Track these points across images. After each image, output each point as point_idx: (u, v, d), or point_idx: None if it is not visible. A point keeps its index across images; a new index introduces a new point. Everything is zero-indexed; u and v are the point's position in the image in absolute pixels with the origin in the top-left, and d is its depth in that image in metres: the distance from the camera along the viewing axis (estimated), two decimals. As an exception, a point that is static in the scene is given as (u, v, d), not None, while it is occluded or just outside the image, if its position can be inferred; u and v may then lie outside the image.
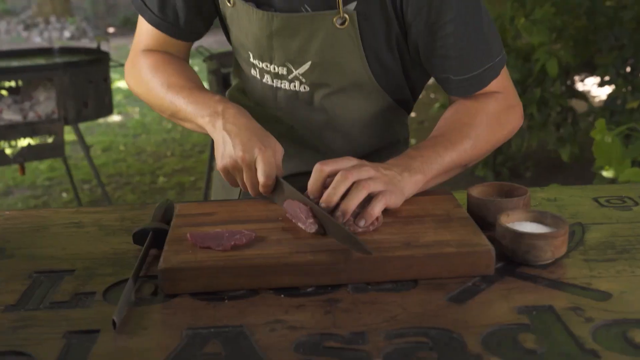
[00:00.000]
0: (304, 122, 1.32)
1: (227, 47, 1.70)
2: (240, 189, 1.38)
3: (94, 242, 1.11)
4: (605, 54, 4.32)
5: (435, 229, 1.02)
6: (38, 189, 4.89)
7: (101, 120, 6.85)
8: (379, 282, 0.95)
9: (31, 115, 3.29)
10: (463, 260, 0.95)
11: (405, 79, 1.29)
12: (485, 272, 0.96)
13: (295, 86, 1.27)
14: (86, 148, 3.55)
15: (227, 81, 3.59)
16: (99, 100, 3.43)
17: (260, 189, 1.11)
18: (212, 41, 4.09)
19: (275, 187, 1.11)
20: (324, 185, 1.06)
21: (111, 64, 3.71)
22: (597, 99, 5.04)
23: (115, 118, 6.94)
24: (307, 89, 1.27)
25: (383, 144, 1.37)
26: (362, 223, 1.02)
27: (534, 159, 4.77)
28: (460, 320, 0.85)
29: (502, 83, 1.24)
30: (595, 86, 4.70)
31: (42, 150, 3.26)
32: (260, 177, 1.09)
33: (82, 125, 6.50)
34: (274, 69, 1.27)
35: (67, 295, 0.94)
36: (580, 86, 5.03)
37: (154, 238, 1.06)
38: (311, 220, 1.01)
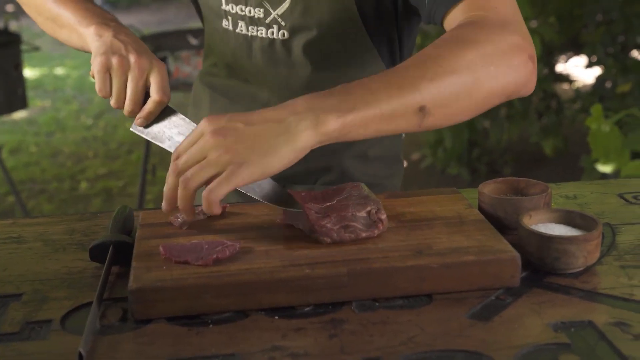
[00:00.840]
0: (284, 82, 1.30)
1: (162, 29, 1.68)
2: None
3: (40, 260, 1.07)
4: (592, 31, 4.41)
5: (448, 234, 1.02)
6: None
7: (4, 117, 6.71)
8: (388, 298, 0.94)
9: None
10: (484, 270, 0.95)
11: (396, 23, 1.27)
12: (510, 284, 0.96)
13: (272, 32, 1.26)
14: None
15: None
16: (10, 91, 3.34)
17: (149, 107, 1.09)
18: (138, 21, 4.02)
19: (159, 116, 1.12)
20: None
21: (23, 47, 3.62)
22: (583, 83, 5.14)
23: (22, 113, 6.79)
24: (286, 35, 1.26)
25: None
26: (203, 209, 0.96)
27: (513, 153, 4.84)
28: (489, 341, 0.85)
29: (499, 7, 1.06)
30: (582, 67, 4.79)
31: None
32: (156, 93, 1.08)
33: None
34: (250, 11, 1.26)
35: (16, 326, 0.90)
36: (564, 68, 5.12)
37: (115, 253, 1.03)
38: (317, 234, 1.01)
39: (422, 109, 0.97)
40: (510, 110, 4.53)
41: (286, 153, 0.94)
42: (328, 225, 1.00)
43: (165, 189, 0.98)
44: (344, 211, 1.02)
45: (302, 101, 0.97)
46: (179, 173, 0.97)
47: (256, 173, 0.94)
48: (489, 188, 1.15)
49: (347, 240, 1.00)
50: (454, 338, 0.86)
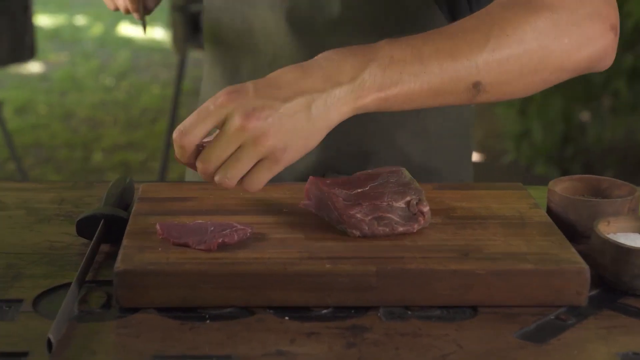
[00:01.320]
0: (303, 22, 1.26)
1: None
2: None
3: (20, 230, 1.10)
4: None
5: (504, 237, 1.01)
6: None
7: (13, 69, 6.85)
8: (423, 307, 0.94)
9: None
10: (544, 283, 0.94)
11: None
12: (575, 302, 0.95)
13: None
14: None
15: (197, 22, 3.59)
16: (16, 38, 3.40)
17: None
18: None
19: None
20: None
21: (36, -13, 3.69)
22: None
23: (34, 67, 6.92)
24: None
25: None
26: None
27: (617, 154, 4.77)
28: (539, 366, 0.84)
29: None
30: None
31: None
32: None
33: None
34: None
35: (-19, 304, 0.93)
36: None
37: (106, 229, 1.05)
38: (344, 225, 1.01)
39: (476, 85, 0.99)
40: (616, 101, 4.46)
41: (322, 129, 0.97)
42: (358, 215, 1.01)
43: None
44: (379, 200, 1.02)
45: (340, 64, 0.97)
46: (210, 173, 0.97)
47: (297, 156, 0.97)
48: (562, 186, 1.14)
49: (380, 235, 1.01)
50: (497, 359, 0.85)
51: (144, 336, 0.88)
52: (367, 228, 1.01)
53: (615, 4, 1.05)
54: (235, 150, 0.95)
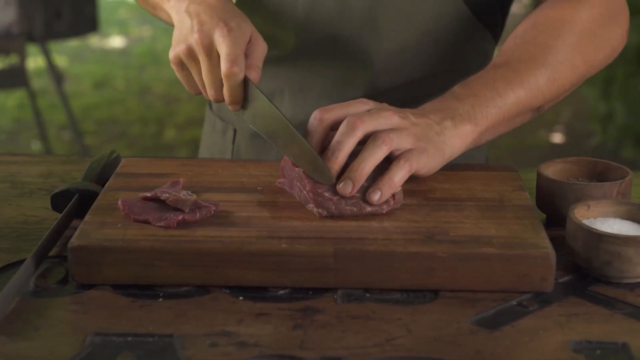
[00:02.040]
0: (335, 14, 1.30)
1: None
2: (232, 152, 1.39)
3: (-1, 203, 1.12)
4: None
5: (476, 220, 0.99)
6: (-1, 133, 5.02)
7: (96, 43, 6.98)
8: (383, 290, 0.93)
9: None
10: (507, 268, 0.92)
11: None
12: (540, 289, 0.93)
13: None
14: (57, 77, 3.61)
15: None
16: (78, 9, 3.46)
17: (225, 86, 1.06)
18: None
19: (246, 97, 1.08)
20: (327, 142, 1.04)
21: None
22: None
23: (116, 42, 7.05)
24: None
25: (449, 76, 1.33)
26: (375, 197, 1.00)
27: None
28: (484, 354, 0.82)
29: None
30: None
31: (-5, 77, 3.32)
32: (223, 64, 1.05)
33: (68, 49, 6.66)
34: None
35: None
36: None
37: (80, 204, 1.06)
38: (312, 204, 1.01)
39: (539, 108, 1.17)
40: None
41: (446, 157, 1.08)
42: (326, 194, 1.00)
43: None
44: None
45: (432, 106, 1.10)
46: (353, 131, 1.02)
47: (430, 165, 1.06)
48: (553, 169, 1.11)
49: (348, 215, 1.00)
50: (444, 345, 0.84)
51: (92, 313, 0.89)
52: (334, 207, 1.00)
53: (627, 5, 1.25)
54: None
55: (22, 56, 3.38)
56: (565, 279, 0.97)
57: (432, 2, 1.28)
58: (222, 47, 1.06)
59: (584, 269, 0.97)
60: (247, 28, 1.10)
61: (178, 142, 4.92)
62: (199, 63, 1.09)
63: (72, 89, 5.76)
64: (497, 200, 1.05)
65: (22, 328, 0.86)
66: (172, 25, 1.19)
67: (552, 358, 0.82)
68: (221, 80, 1.07)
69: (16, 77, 3.40)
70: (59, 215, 1.07)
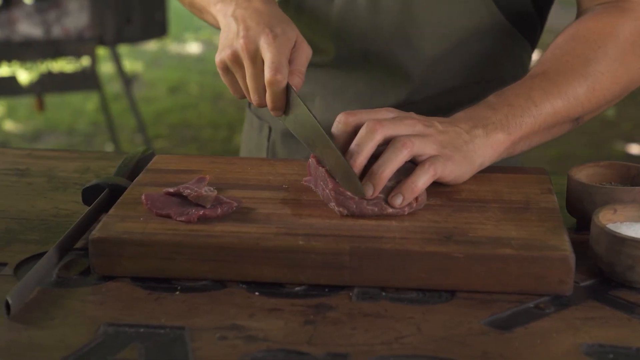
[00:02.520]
0: (366, 29, 1.30)
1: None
2: (267, 149, 1.40)
3: (33, 197, 1.15)
4: None
5: (497, 221, 0.98)
6: (76, 136, 5.12)
7: (173, 50, 7.07)
8: (398, 289, 0.93)
9: (56, 31, 3.42)
10: (525, 270, 0.91)
11: None
12: (559, 291, 0.92)
13: None
14: (127, 81, 3.67)
15: None
16: (148, 14, 3.52)
17: (268, 92, 1.08)
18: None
19: (288, 103, 1.09)
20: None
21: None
22: None
23: (192, 48, 7.13)
24: None
25: (483, 85, 1.34)
26: (397, 201, 1.00)
27: None
28: (492, 355, 0.82)
29: None
30: None
31: (67, 79, 3.39)
32: (266, 72, 1.06)
33: (146, 54, 6.76)
34: None
35: (-32, 265, 0.98)
36: None
37: (110, 198, 1.08)
38: (333, 203, 1.01)
39: (578, 118, 1.16)
40: None
41: (475, 166, 1.08)
42: (348, 192, 1.00)
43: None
44: None
45: (464, 115, 1.10)
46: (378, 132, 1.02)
47: (456, 172, 1.06)
48: (584, 173, 1.09)
49: (369, 215, 1.00)
50: (451, 345, 0.83)
51: (108, 304, 0.90)
52: (354, 207, 1.00)
53: None
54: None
55: (93, 59, 3.45)
56: (587, 282, 0.95)
57: (466, 13, 1.28)
58: (267, 54, 1.07)
59: (607, 273, 0.95)
60: (293, 33, 1.11)
61: (246, 146, 4.96)
62: (244, 68, 1.10)
63: (147, 94, 5.85)
64: (522, 203, 1.03)
65: (39, 317, 0.88)
66: (219, 29, 1.21)
67: (561, 360, 0.81)
68: (264, 86, 1.08)
69: (88, 80, 3.48)
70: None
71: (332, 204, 1.01)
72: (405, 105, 1.27)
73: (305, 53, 1.12)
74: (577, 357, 0.81)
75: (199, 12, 1.32)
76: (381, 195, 1.00)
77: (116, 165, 1.24)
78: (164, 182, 1.08)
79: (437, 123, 1.06)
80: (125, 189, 1.08)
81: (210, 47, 7.18)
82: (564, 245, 0.93)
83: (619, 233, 0.93)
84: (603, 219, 0.97)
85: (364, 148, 1.01)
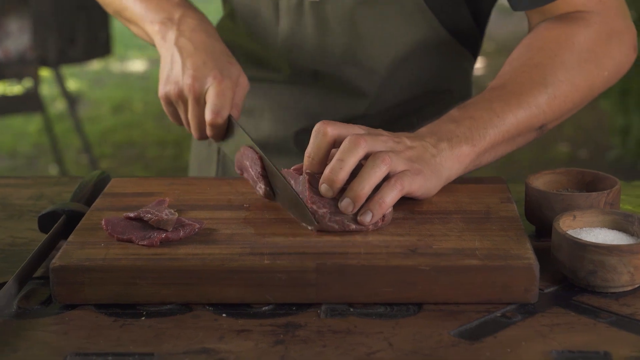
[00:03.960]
0: (314, 51, 1.31)
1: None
2: (218, 162, 1.41)
3: (-12, 226, 1.13)
4: None
5: (460, 232, 0.99)
6: (19, 158, 5.06)
7: (117, 69, 7.03)
8: (366, 304, 0.93)
9: (-3, 53, 3.39)
10: (490, 280, 0.92)
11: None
12: (524, 299, 0.93)
13: None
14: (71, 101, 3.64)
15: None
16: (91, 34, 3.50)
17: (208, 129, 1.14)
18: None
19: (227, 132, 1.15)
20: (327, 158, 1.05)
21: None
22: None
23: (136, 65, 7.09)
24: None
25: (430, 97, 1.37)
26: (367, 218, 1.00)
27: None
28: (465, 366, 0.82)
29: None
30: None
31: (9, 102, 3.35)
32: (207, 114, 1.12)
33: (89, 73, 6.70)
34: None
35: None
36: None
37: (66, 224, 1.07)
38: (261, 180, 1.05)
39: (541, 127, 1.17)
40: None
41: (443, 179, 1.08)
42: (313, 206, 1.00)
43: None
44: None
45: (428, 129, 1.10)
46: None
47: (426, 187, 1.05)
48: (541, 180, 1.11)
49: (330, 230, 1.00)
50: (422, 358, 0.84)
51: (72, 333, 0.89)
52: (317, 222, 1.00)
53: (633, 24, 1.23)
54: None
55: (36, 81, 3.42)
56: (552, 289, 0.96)
57: (410, 30, 1.29)
58: (211, 97, 1.13)
59: (570, 279, 0.96)
60: (236, 72, 1.15)
61: (196, 163, 4.93)
62: (187, 104, 1.14)
63: (91, 113, 5.80)
64: (483, 213, 1.04)
65: (1, 350, 0.86)
66: (149, 43, 1.22)
67: (531, 369, 0.82)
68: (204, 122, 1.15)
69: (31, 102, 3.44)
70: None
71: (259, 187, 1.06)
72: (356, 119, 1.28)
73: (244, 88, 1.18)
74: (547, 364, 0.82)
75: (125, 21, 1.32)
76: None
77: (71, 190, 1.23)
78: (122, 206, 1.08)
79: (405, 138, 1.07)
80: (83, 214, 1.07)
81: (154, 64, 7.13)
82: (528, 253, 0.94)
83: (580, 239, 0.94)
84: (563, 225, 0.98)
85: (346, 163, 1.01)
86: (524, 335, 0.88)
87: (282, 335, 0.88)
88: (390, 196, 1.01)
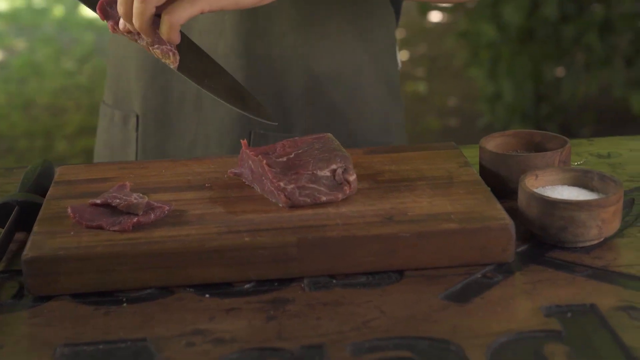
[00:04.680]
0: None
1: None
2: (137, 134, 1.37)
3: None
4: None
5: (430, 198, 1.01)
6: None
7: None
8: (347, 275, 0.94)
9: None
10: (469, 242, 0.94)
11: None
12: (502, 259, 0.95)
13: None
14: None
15: None
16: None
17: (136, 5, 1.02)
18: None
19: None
20: None
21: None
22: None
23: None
24: None
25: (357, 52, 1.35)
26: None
27: (593, 110, 4.77)
28: (461, 327, 0.84)
29: None
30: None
31: None
32: None
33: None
34: None
35: None
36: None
37: (20, 216, 1.04)
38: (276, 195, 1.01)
39: None
40: (589, 55, 4.44)
41: None
42: (281, 184, 1.00)
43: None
44: (303, 169, 1.01)
45: None
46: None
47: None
48: (494, 143, 1.14)
49: (302, 205, 1.00)
50: (419, 323, 0.85)
51: (56, 325, 0.87)
52: (285, 198, 1.00)
53: None
54: None
55: None
56: (522, 248, 0.99)
57: None
58: None
59: (540, 237, 0.99)
60: None
61: (70, 153, 4.83)
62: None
63: (-49, 108, 5.60)
64: (446, 178, 1.06)
65: (-13, 346, 0.84)
66: None
67: (527, 324, 0.84)
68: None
69: None
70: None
71: (275, 197, 1.01)
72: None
73: None
74: (540, 320, 0.85)
75: None
76: (314, 186, 1.01)
77: (11, 182, 1.20)
78: (78, 194, 1.05)
79: None
80: (36, 204, 1.04)
81: (12, 53, 6.92)
82: (501, 214, 0.96)
83: (549, 197, 0.97)
84: (529, 185, 1.01)
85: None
86: (509, 293, 0.90)
87: (272, 312, 0.88)
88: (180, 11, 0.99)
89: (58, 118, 5.40)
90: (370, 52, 1.35)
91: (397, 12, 1.39)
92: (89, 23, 7.42)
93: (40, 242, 0.93)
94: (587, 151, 1.26)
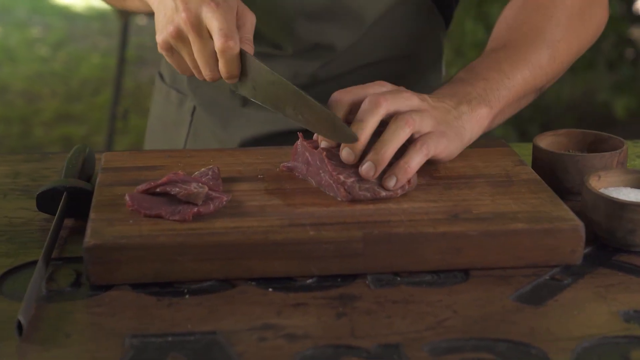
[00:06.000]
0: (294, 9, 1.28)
1: None
2: (190, 125, 1.36)
3: (-26, 207, 1.06)
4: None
5: (492, 196, 1.00)
6: None
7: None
8: (412, 273, 0.93)
9: None
10: (538, 242, 0.93)
11: None
12: (570, 261, 0.94)
13: None
14: None
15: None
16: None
17: (221, 63, 1.03)
18: None
19: (243, 70, 1.04)
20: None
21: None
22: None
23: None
24: None
25: (401, 62, 1.37)
26: (391, 183, 0.99)
27: (576, 113, 4.80)
28: (540, 330, 0.83)
29: None
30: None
31: None
32: (217, 41, 1.00)
33: None
34: None
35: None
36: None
37: (69, 202, 1.01)
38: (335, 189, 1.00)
39: (541, 88, 1.20)
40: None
41: (465, 142, 1.08)
42: (340, 177, 0.98)
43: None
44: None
45: (445, 91, 1.10)
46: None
47: (450, 149, 1.05)
48: (547, 141, 1.13)
49: (362, 199, 0.98)
50: (496, 324, 0.84)
51: (120, 315, 0.85)
52: (345, 192, 0.98)
53: None
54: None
55: None
56: (587, 250, 0.98)
57: None
58: (213, 22, 1.01)
59: (605, 239, 0.98)
60: (234, 1, 1.05)
61: (48, 140, 4.78)
62: (189, 44, 1.04)
63: None
64: (504, 176, 1.05)
65: (52, 335, 0.82)
66: (145, 13, 1.16)
67: (608, 329, 0.83)
68: (214, 57, 1.03)
69: None
70: (44, 215, 1.04)
71: (335, 192, 0.99)
72: (329, 79, 1.29)
73: (250, 20, 1.07)
74: (620, 325, 0.84)
75: (121, 1, 1.25)
76: (374, 180, 0.99)
77: (47, 167, 1.18)
78: (129, 181, 1.03)
79: (428, 98, 1.06)
80: (85, 190, 1.02)
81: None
82: (570, 215, 0.95)
83: (617, 198, 0.96)
84: (595, 185, 1.00)
85: (367, 124, 0.99)
86: (583, 297, 0.89)
87: (340, 308, 0.87)
88: (416, 160, 1.00)
89: (34, 104, 5.34)
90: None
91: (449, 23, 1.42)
92: (62, 9, 7.36)
93: (100, 230, 0.91)
94: (632, 153, 1.26)
